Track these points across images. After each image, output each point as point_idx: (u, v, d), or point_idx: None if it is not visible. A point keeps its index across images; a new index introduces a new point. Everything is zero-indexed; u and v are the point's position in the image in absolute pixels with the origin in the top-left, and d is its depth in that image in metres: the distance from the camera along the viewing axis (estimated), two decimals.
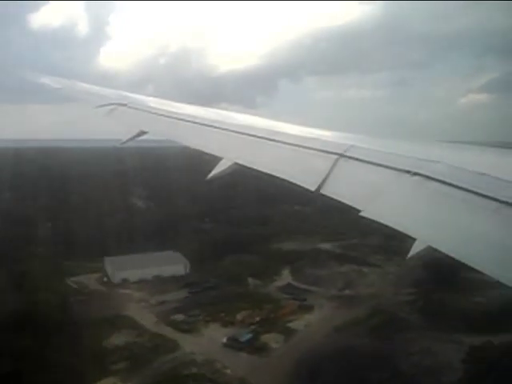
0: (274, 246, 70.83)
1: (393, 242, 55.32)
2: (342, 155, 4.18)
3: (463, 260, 2.70)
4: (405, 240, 3.13)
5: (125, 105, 7.26)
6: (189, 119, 6.17)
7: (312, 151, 4.48)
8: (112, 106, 7.32)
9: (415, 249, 3.02)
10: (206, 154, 5.24)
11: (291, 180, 4.20)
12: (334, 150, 4.30)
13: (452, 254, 2.78)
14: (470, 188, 3.15)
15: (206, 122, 5.91)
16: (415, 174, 3.54)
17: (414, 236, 3.08)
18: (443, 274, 47.10)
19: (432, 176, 3.43)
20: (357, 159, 4.08)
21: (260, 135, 5.13)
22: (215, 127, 5.70)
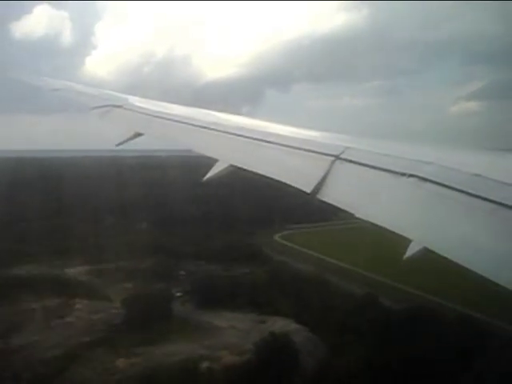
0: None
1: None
2: (337, 157, 4.19)
3: (459, 261, 2.71)
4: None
5: (120, 106, 7.24)
6: (185, 121, 6.16)
7: (308, 153, 4.48)
8: (107, 108, 7.30)
9: (411, 250, 3.02)
10: (203, 156, 5.24)
11: (287, 182, 4.20)
12: (330, 152, 4.30)
13: (448, 256, 2.79)
14: (465, 189, 3.16)
15: (202, 124, 5.90)
16: (411, 175, 3.55)
17: (409, 237, 3.09)
18: None
19: (427, 177, 3.44)
20: (352, 161, 4.09)
21: (256, 137, 5.13)
22: (211, 129, 5.70)
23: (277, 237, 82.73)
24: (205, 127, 5.80)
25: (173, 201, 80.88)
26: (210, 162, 5.00)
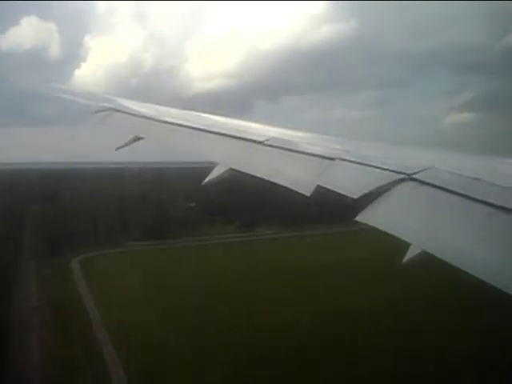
0: None
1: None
2: (336, 160, 4.20)
3: (458, 265, 2.70)
4: None
5: (119, 110, 7.24)
6: (185, 125, 6.16)
7: (307, 156, 4.49)
8: (106, 112, 7.29)
9: (410, 254, 3.02)
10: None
11: (286, 185, 4.20)
12: (329, 155, 4.31)
13: (447, 259, 2.79)
14: (464, 193, 3.16)
15: (201, 128, 5.91)
16: (411, 179, 3.55)
17: (408, 241, 3.09)
18: None
19: (427, 181, 3.45)
20: (352, 164, 4.09)
21: (255, 140, 5.13)
22: (210, 132, 5.70)
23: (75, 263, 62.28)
24: (204, 130, 5.81)
25: None
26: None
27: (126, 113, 7.15)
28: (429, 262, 2.96)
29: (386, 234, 3.23)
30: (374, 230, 3.29)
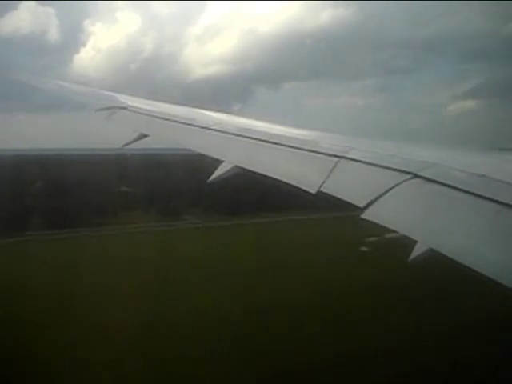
0: None
1: None
2: (342, 157, 4.21)
3: (464, 262, 2.72)
4: None
5: (125, 108, 7.28)
6: (190, 122, 6.20)
7: (312, 154, 4.50)
8: (112, 110, 7.34)
9: (417, 251, 3.04)
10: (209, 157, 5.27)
11: (292, 183, 4.23)
12: (334, 153, 4.32)
13: (453, 256, 2.80)
14: (470, 190, 3.17)
15: (207, 125, 5.94)
16: (416, 176, 3.56)
17: (415, 238, 3.10)
18: None
19: (432, 178, 3.45)
20: (357, 162, 4.11)
21: (260, 138, 5.15)
22: (216, 130, 5.73)
23: None
24: (209, 128, 5.84)
25: None
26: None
27: (132, 110, 7.19)
28: (434, 260, 2.98)
29: (391, 230, 3.26)
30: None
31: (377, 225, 3.35)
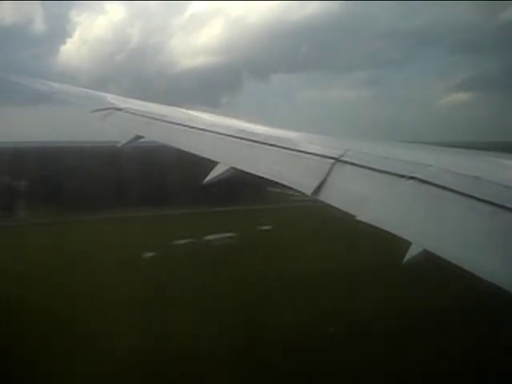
0: None
1: None
2: (338, 159, 4.22)
3: (459, 263, 2.73)
4: None
5: (120, 109, 7.27)
6: (186, 123, 6.20)
7: (308, 155, 4.51)
8: (107, 111, 7.32)
9: (411, 252, 3.05)
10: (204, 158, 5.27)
11: (288, 184, 4.23)
12: (330, 155, 4.33)
13: (448, 258, 2.81)
14: (465, 191, 3.18)
15: (202, 127, 5.94)
16: (410, 177, 3.57)
17: (410, 240, 3.11)
18: None
19: (427, 180, 3.47)
20: (352, 163, 4.12)
21: (256, 139, 5.16)
22: (212, 132, 5.74)
23: None
24: (205, 130, 5.84)
25: None
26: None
27: (127, 112, 7.17)
28: (426, 261, 2.99)
29: (386, 232, 3.27)
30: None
31: (372, 226, 3.37)
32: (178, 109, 7.86)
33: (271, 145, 4.94)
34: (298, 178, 4.32)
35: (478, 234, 2.96)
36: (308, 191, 4.01)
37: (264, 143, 5.03)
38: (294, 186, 4.18)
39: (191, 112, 7.43)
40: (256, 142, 5.13)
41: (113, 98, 8.37)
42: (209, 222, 56.31)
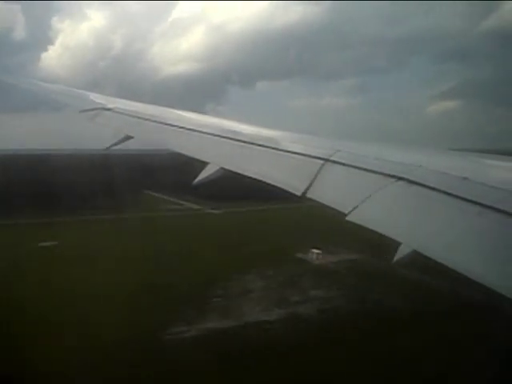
0: None
1: None
2: (327, 160, 4.23)
3: (447, 264, 2.75)
4: None
5: (110, 109, 7.20)
6: (175, 124, 6.16)
7: (298, 156, 4.51)
8: (96, 111, 7.25)
9: (400, 253, 3.06)
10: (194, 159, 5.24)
11: (277, 185, 4.23)
12: (320, 155, 4.34)
13: (436, 258, 2.83)
14: (453, 192, 3.21)
15: (192, 127, 5.91)
16: (400, 178, 3.59)
17: (399, 240, 3.12)
18: None
19: (416, 181, 3.49)
20: (342, 164, 4.13)
21: (246, 140, 5.15)
22: (201, 132, 5.71)
23: None
24: (195, 130, 5.81)
25: None
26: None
27: (116, 112, 7.11)
28: (417, 261, 3.00)
29: (377, 233, 3.28)
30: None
31: (361, 227, 3.37)
32: (170, 109, 7.82)
33: (261, 145, 4.94)
34: (287, 178, 4.31)
35: (465, 234, 2.99)
36: (297, 192, 4.01)
37: (254, 144, 5.02)
38: (283, 187, 4.17)
39: (184, 112, 7.40)
40: (246, 142, 5.11)
41: (101, 98, 8.30)
42: None
